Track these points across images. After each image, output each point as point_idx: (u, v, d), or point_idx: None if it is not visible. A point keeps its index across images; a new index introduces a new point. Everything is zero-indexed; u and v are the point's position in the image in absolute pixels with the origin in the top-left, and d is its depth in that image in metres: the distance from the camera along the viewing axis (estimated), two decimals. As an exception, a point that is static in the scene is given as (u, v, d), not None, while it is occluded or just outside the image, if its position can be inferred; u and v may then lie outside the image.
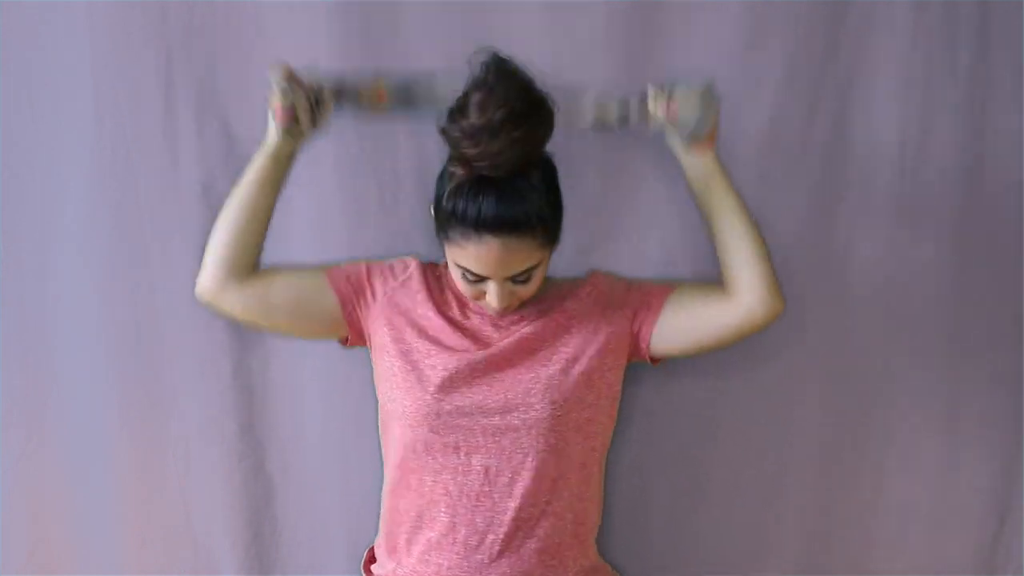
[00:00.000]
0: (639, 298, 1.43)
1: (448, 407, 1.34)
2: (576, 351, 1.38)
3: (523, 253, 1.27)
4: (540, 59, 1.55)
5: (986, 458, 1.68)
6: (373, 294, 1.43)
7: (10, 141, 1.59)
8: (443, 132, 1.23)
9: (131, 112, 1.58)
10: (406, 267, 1.45)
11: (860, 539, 1.69)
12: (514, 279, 1.29)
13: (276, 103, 1.33)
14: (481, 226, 1.23)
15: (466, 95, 1.20)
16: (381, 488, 1.47)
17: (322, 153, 1.59)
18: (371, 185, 1.60)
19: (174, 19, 1.55)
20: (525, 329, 1.38)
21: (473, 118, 1.17)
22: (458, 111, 1.20)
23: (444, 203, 1.27)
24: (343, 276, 1.44)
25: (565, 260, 1.58)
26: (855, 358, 1.65)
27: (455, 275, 1.33)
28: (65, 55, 1.57)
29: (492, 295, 1.30)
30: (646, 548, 1.66)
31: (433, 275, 1.45)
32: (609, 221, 1.61)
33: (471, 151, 1.18)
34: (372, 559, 1.49)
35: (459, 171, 1.24)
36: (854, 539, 1.69)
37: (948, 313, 1.64)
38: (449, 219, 1.26)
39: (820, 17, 1.57)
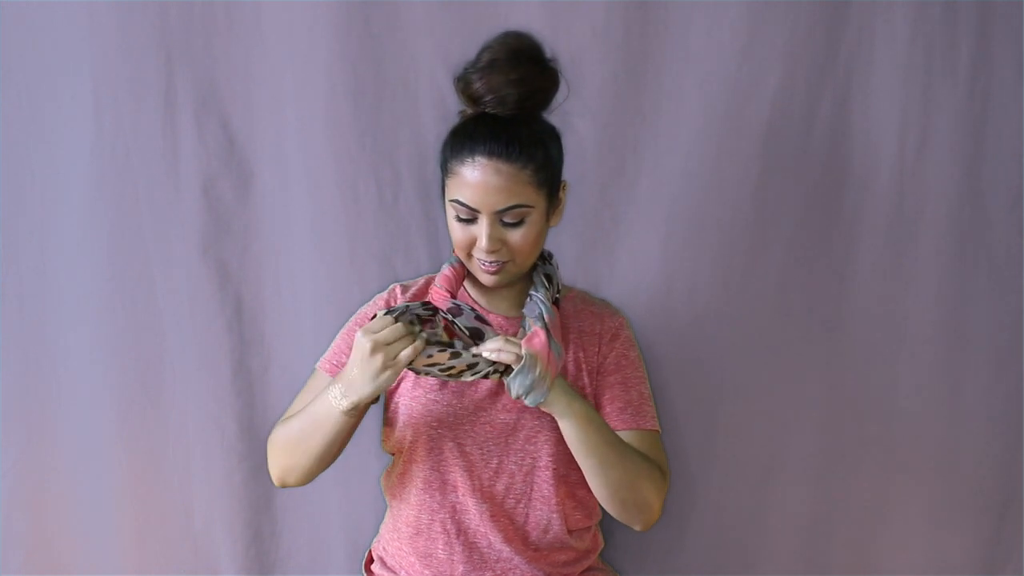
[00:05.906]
0: (612, 380, 1.39)
1: None
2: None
3: (512, 183, 1.25)
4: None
5: (986, 458, 1.68)
6: None
7: (10, 141, 1.59)
8: (458, 79, 1.29)
9: (131, 112, 1.58)
10: (393, 292, 1.42)
11: (860, 539, 1.69)
12: (504, 221, 1.27)
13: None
14: (474, 146, 1.25)
15: (481, 50, 1.29)
16: (380, 488, 1.47)
17: (322, 153, 1.59)
18: (371, 185, 1.60)
19: (174, 19, 1.55)
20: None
21: (483, 59, 1.27)
22: (473, 61, 1.29)
23: (449, 141, 1.30)
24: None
25: (565, 260, 1.58)
26: (855, 358, 1.65)
27: (451, 222, 1.31)
28: (65, 55, 1.57)
29: (481, 231, 1.27)
30: (646, 548, 1.66)
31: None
32: (610, 221, 1.62)
33: (478, 85, 1.26)
34: (372, 559, 1.49)
35: (467, 111, 1.30)
36: (854, 539, 1.69)
37: (948, 313, 1.64)
38: (451, 153, 1.28)
39: (820, 17, 1.57)
